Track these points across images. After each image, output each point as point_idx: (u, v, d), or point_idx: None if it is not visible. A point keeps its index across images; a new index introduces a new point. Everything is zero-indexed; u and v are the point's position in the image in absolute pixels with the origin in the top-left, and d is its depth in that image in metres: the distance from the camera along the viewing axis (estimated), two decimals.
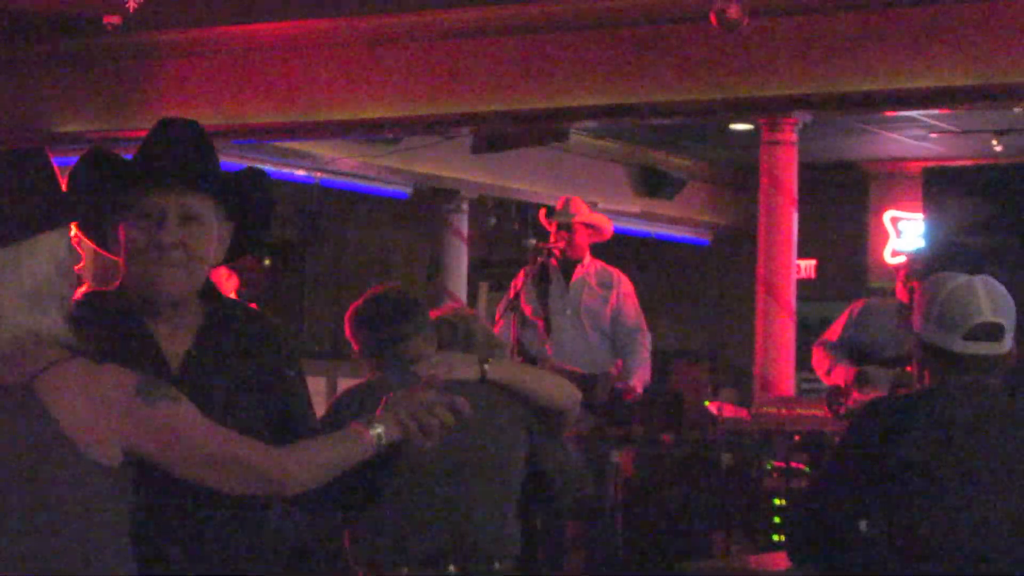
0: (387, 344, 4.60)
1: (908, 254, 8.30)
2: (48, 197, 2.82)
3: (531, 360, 8.60)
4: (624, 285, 9.08)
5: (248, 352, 3.26)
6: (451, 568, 4.56)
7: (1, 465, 2.73)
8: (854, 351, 7.90)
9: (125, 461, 2.79)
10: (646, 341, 9.00)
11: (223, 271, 8.92)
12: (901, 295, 7.88)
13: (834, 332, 8.13)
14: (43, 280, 2.77)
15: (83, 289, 3.15)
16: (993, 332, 3.75)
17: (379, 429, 2.98)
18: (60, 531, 2.73)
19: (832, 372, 7.98)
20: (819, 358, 8.11)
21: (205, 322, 3.23)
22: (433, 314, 4.81)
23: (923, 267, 7.80)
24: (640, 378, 8.86)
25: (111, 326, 3.12)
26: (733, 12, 9.17)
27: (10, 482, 2.72)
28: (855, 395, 7.77)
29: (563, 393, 4.80)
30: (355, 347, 4.71)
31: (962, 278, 3.80)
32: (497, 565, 4.63)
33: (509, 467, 4.69)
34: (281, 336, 3.36)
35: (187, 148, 3.21)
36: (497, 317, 8.84)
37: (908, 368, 7.12)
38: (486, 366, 4.62)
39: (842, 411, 7.82)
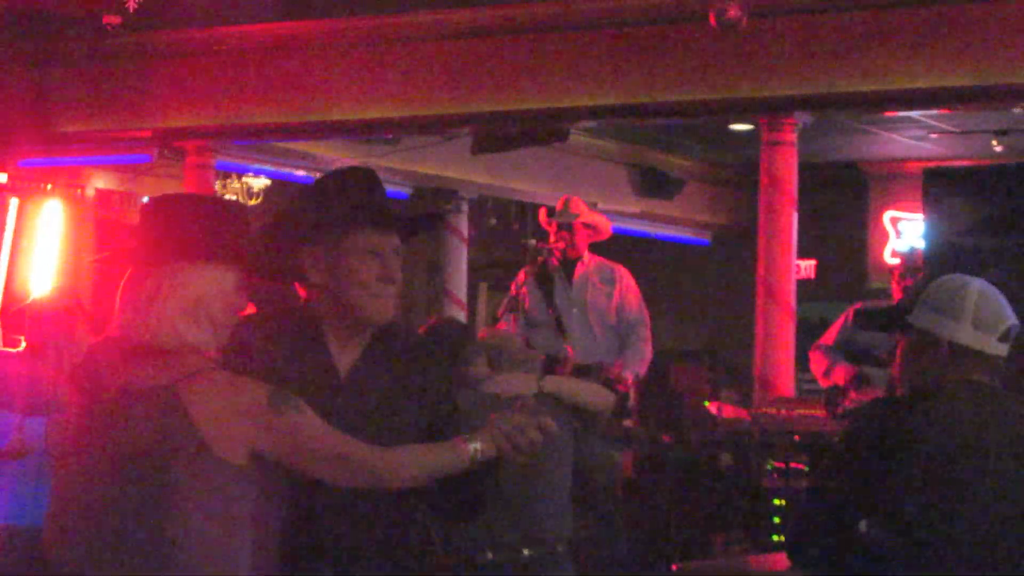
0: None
1: (902, 254, 8.32)
2: (227, 238, 3.27)
3: (553, 361, 8.59)
4: (626, 279, 9.09)
5: (406, 369, 3.67)
6: (525, 552, 5.44)
7: (137, 455, 3.14)
8: (850, 353, 7.91)
9: (250, 462, 3.19)
10: (646, 333, 8.99)
11: None
12: (896, 295, 7.90)
13: (830, 336, 8.15)
14: (202, 302, 3.23)
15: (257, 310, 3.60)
16: (1012, 334, 3.79)
17: (476, 444, 3.37)
18: (184, 519, 3.13)
19: (830, 373, 8.00)
20: (816, 360, 8.13)
21: (372, 339, 3.65)
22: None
23: (919, 266, 7.83)
24: (633, 368, 8.85)
25: (290, 338, 3.59)
26: (732, 12, 9.18)
27: (144, 470, 3.13)
28: (852, 395, 7.78)
29: (601, 399, 5.82)
30: None
31: (977, 280, 3.81)
32: (559, 548, 5.54)
33: (563, 466, 5.59)
34: (436, 359, 3.77)
35: (382, 194, 3.72)
36: (499, 316, 8.83)
37: None
38: (541, 382, 5.52)
39: (839, 411, 7.83)
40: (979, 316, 3.75)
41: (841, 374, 7.91)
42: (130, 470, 3.16)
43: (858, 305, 8.12)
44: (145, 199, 15.81)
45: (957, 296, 3.78)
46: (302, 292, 3.68)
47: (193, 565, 3.15)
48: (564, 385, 5.75)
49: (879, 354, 7.67)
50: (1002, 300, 3.81)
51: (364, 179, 3.72)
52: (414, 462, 3.35)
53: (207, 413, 3.14)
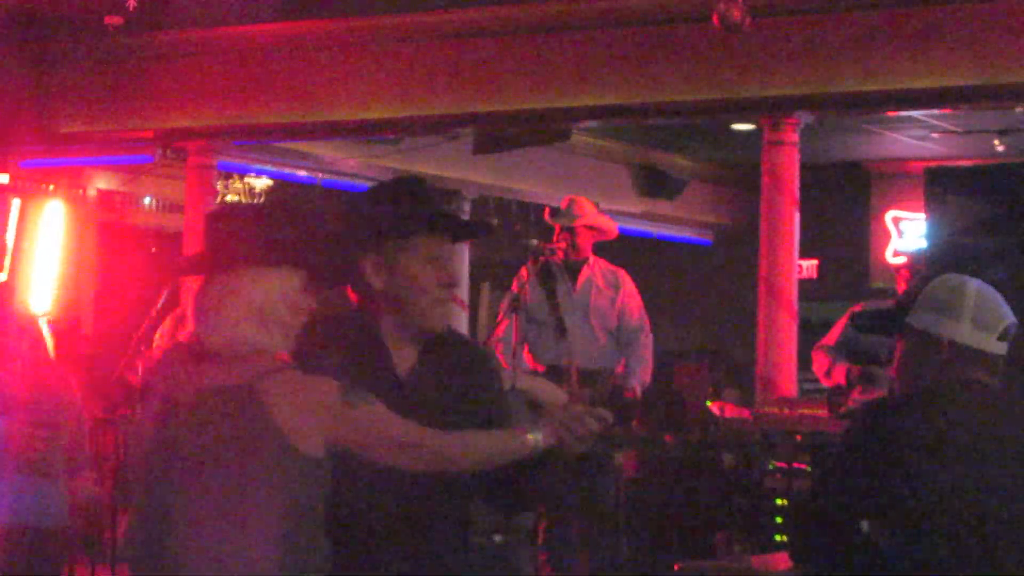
0: None
1: (909, 254, 8.30)
2: (290, 243, 3.44)
3: (551, 365, 8.59)
4: (628, 284, 9.07)
5: (461, 371, 3.85)
6: (497, 537, 5.99)
7: (218, 451, 3.33)
8: (853, 353, 7.91)
9: (325, 454, 3.37)
10: (648, 340, 8.99)
11: None
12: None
13: (832, 336, 8.15)
14: (269, 305, 3.39)
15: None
16: (1011, 332, 3.79)
17: (537, 434, 3.53)
18: (266, 511, 3.31)
19: (832, 373, 7.99)
20: (819, 360, 8.12)
21: (428, 342, 3.80)
22: None
23: (925, 266, 7.82)
24: (639, 378, 8.86)
25: (349, 341, 3.73)
26: (736, 14, 9.17)
27: (226, 466, 3.32)
28: (855, 394, 7.78)
29: (558, 400, 6.31)
30: None
31: (975, 280, 3.81)
32: (522, 536, 6.34)
33: None
34: (486, 360, 4.00)
35: (437, 201, 3.86)
36: (500, 317, 8.81)
37: None
38: (515, 378, 6.09)
39: (842, 411, 7.83)
40: (978, 315, 3.76)
41: (843, 374, 7.90)
42: (212, 466, 3.34)
43: (861, 305, 8.12)
44: (147, 199, 15.82)
45: (956, 296, 3.78)
46: (353, 296, 3.80)
47: (272, 555, 3.33)
48: (532, 383, 6.45)
49: (882, 354, 7.66)
50: (999, 299, 3.81)
51: (420, 187, 3.83)
52: (479, 447, 3.54)
53: (285, 409, 3.32)
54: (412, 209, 3.75)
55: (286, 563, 3.34)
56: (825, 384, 8.21)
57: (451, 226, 3.83)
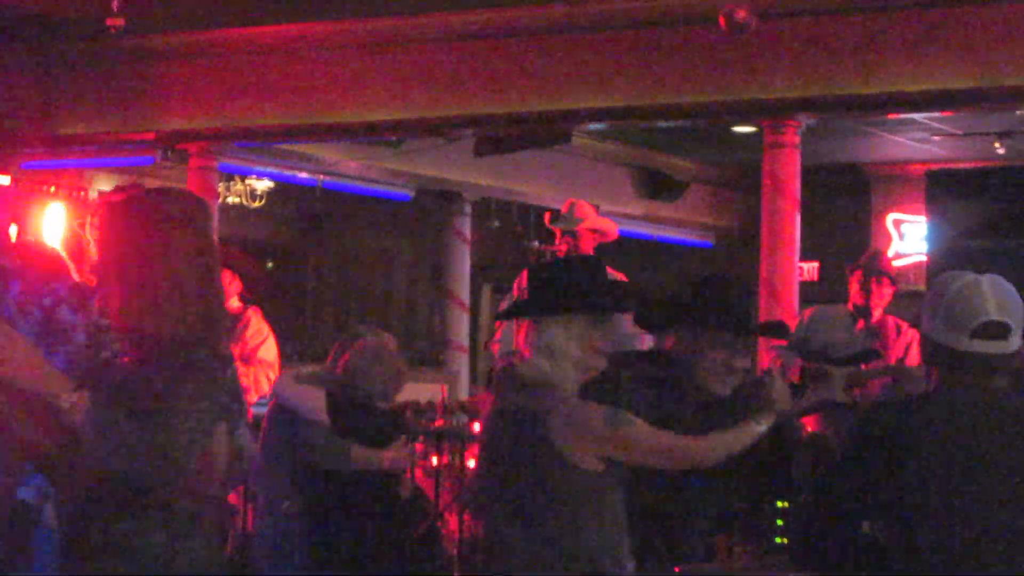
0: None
1: (857, 264, 8.37)
2: (579, 294, 4.24)
3: None
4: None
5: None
6: None
7: (510, 468, 4.14)
8: (807, 353, 7.92)
9: (606, 467, 4.15)
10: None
11: (227, 274, 8.89)
12: (855, 297, 8.00)
13: None
14: (557, 344, 4.20)
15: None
16: (999, 331, 3.71)
17: (761, 422, 4.39)
18: (553, 521, 4.10)
19: (786, 372, 7.99)
20: (772, 362, 8.12)
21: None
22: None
23: (882, 269, 7.93)
24: None
25: (655, 385, 4.67)
26: (742, 15, 9.18)
27: (515, 482, 4.12)
28: (809, 393, 7.80)
29: None
30: None
31: (968, 276, 3.76)
32: None
33: None
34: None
35: (741, 300, 4.91)
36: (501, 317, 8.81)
37: (864, 367, 7.28)
38: None
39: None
40: (949, 313, 3.69)
41: (797, 373, 7.90)
42: (503, 474, 4.16)
43: (813, 308, 8.12)
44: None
45: (934, 293, 3.77)
46: (668, 344, 4.83)
47: (564, 557, 4.13)
48: None
49: (835, 355, 7.69)
50: (985, 297, 3.66)
51: (728, 288, 4.78)
52: (719, 444, 4.30)
53: (562, 433, 4.08)
54: (716, 305, 4.70)
55: (584, 557, 4.17)
56: None
57: (739, 327, 4.76)
